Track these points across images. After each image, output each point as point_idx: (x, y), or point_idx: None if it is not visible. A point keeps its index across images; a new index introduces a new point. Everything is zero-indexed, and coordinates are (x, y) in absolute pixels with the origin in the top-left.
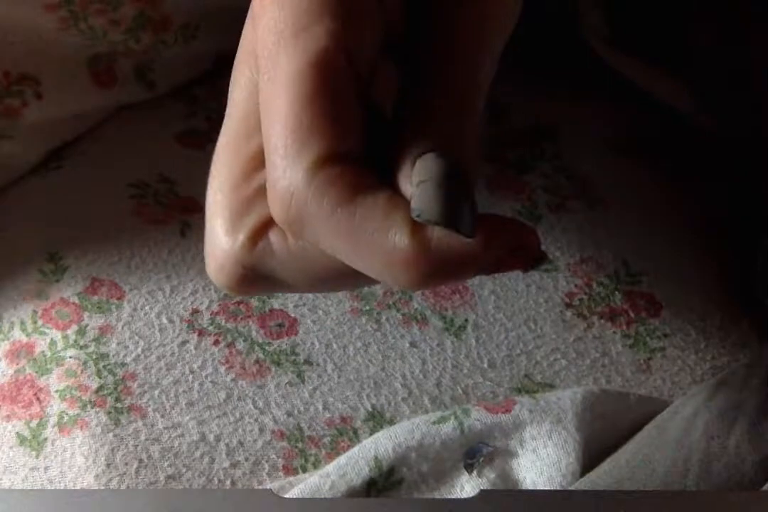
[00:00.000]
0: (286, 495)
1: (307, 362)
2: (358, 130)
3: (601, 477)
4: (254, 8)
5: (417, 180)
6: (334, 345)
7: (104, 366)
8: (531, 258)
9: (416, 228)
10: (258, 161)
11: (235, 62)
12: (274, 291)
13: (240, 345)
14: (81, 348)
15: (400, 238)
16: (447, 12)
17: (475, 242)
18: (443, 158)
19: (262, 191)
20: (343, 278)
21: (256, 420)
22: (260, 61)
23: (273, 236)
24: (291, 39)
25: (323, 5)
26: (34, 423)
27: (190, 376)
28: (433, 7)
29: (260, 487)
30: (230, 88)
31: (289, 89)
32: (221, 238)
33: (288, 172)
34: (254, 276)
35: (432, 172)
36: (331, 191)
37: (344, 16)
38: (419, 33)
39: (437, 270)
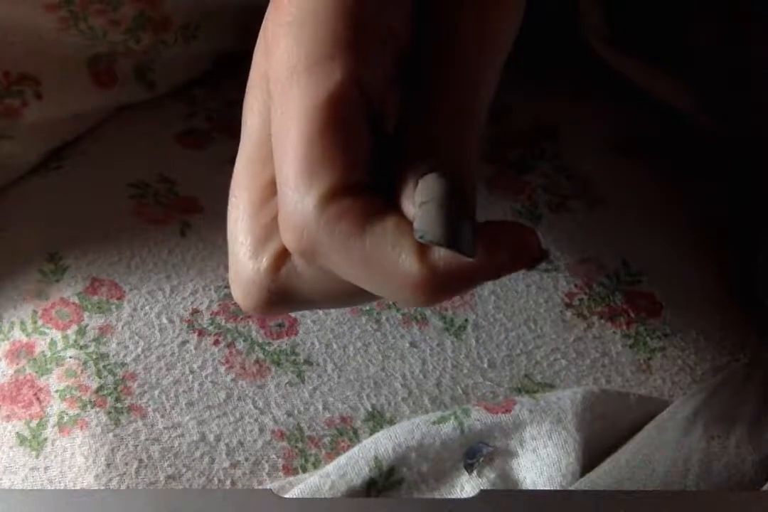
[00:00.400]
0: (286, 495)
1: (307, 362)
2: (367, 159)
3: (601, 477)
4: (266, 36)
5: (419, 200)
6: (334, 345)
7: (104, 366)
8: (532, 259)
9: (423, 251)
10: (275, 187)
11: (248, 86)
12: (297, 309)
13: (240, 345)
14: (81, 348)
15: (409, 264)
16: (447, 34)
17: (478, 255)
18: (444, 178)
19: None
20: (361, 295)
21: (256, 420)
22: (273, 91)
23: (296, 259)
24: (304, 73)
25: (336, 39)
26: (34, 423)
27: (190, 376)
28: (434, 28)
29: (260, 487)
30: (244, 112)
31: (301, 124)
32: (245, 263)
33: (299, 206)
34: (279, 299)
35: (434, 193)
36: (341, 224)
37: (357, 49)
38: (421, 53)
39: (447, 288)
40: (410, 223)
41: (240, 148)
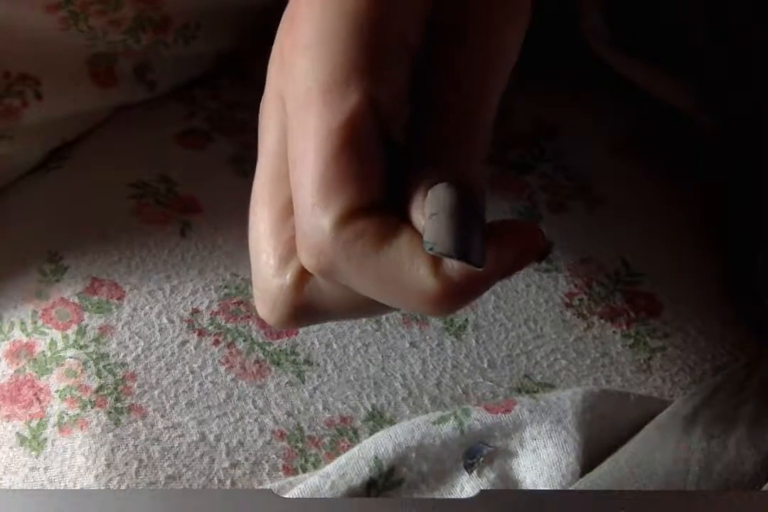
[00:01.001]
0: (286, 495)
1: (307, 362)
2: (381, 178)
3: (601, 477)
4: (282, 55)
5: (429, 212)
6: (334, 345)
7: (104, 366)
8: (540, 252)
9: (437, 264)
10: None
11: (263, 102)
12: (321, 322)
13: (240, 345)
14: (81, 348)
15: (426, 279)
16: (457, 45)
17: (489, 259)
18: (453, 189)
19: None
20: (383, 307)
21: (256, 420)
22: (289, 112)
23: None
24: (320, 96)
25: (352, 61)
26: (34, 423)
27: (190, 376)
28: (444, 38)
29: (260, 487)
30: (260, 129)
31: (317, 147)
32: (269, 280)
33: (315, 228)
34: (303, 313)
35: (443, 204)
36: (358, 245)
37: (373, 70)
38: (429, 63)
39: (463, 297)
40: (421, 237)
41: (258, 165)
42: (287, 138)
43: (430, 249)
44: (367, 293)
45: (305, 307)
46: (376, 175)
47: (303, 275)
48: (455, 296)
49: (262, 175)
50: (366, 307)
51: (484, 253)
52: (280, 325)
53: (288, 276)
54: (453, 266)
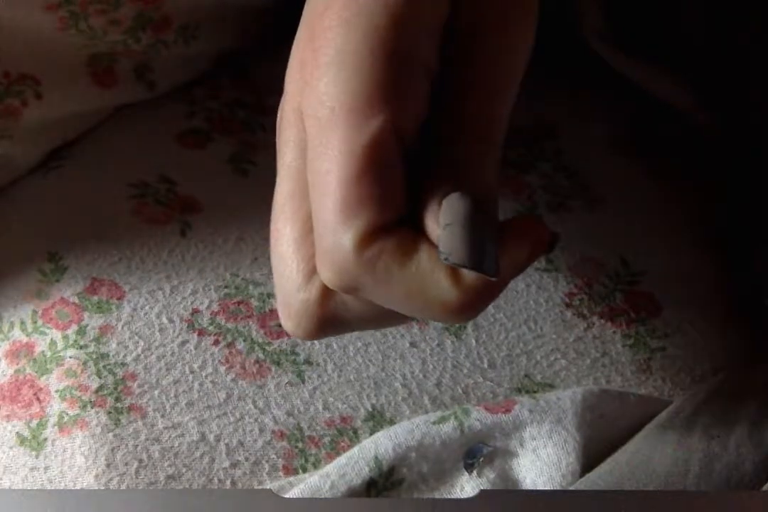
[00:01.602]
0: (286, 495)
1: (307, 362)
2: (402, 196)
3: (601, 477)
4: (305, 69)
5: (443, 222)
6: (334, 345)
7: (104, 366)
8: (548, 245)
9: (456, 274)
10: None
11: (280, 116)
12: (346, 332)
13: (240, 345)
14: (81, 348)
15: (447, 290)
16: (469, 60)
17: (503, 266)
18: (467, 199)
19: None
20: (406, 318)
21: (256, 420)
22: (309, 130)
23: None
24: (343, 116)
25: (378, 83)
26: (34, 423)
27: (190, 376)
28: (457, 53)
29: (260, 487)
30: (279, 145)
31: (340, 167)
32: (294, 296)
33: (337, 246)
34: (328, 325)
35: (456, 214)
36: (380, 262)
37: (396, 92)
38: (442, 77)
39: (483, 303)
40: (437, 248)
41: (278, 180)
42: (307, 156)
43: (445, 259)
44: (390, 306)
45: (330, 320)
46: (398, 194)
47: (327, 290)
48: (476, 303)
49: (282, 189)
50: (389, 318)
51: (497, 261)
52: (307, 338)
53: (313, 291)
54: (471, 274)
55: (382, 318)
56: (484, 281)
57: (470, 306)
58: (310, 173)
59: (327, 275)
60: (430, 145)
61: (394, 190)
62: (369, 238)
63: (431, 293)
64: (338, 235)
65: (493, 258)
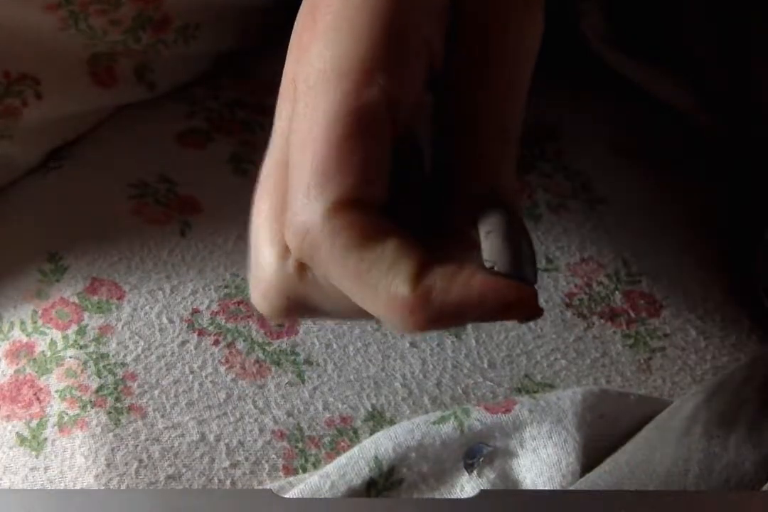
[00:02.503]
0: (286, 495)
1: (307, 362)
2: (384, 178)
3: (601, 477)
4: (302, 40)
5: (484, 230)
6: (334, 345)
7: (104, 366)
8: (525, 316)
9: (419, 278)
10: None
11: (279, 92)
12: (310, 318)
13: (240, 345)
14: (81, 348)
15: (402, 288)
16: (487, 56)
17: (473, 297)
18: (502, 209)
19: None
20: (368, 313)
21: (256, 420)
22: (298, 92)
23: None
24: (335, 79)
25: (373, 49)
26: (34, 423)
27: (190, 376)
28: (472, 50)
29: (260, 487)
30: (275, 117)
31: (326, 127)
32: (266, 269)
33: (306, 210)
34: (296, 306)
35: (496, 223)
36: (344, 235)
37: (394, 63)
38: (456, 74)
39: (435, 319)
40: (413, 248)
41: (267, 151)
42: (292, 117)
43: (491, 267)
44: (341, 287)
45: (299, 299)
46: (381, 173)
47: (302, 268)
48: (426, 313)
49: (269, 162)
50: (353, 310)
51: (536, 271)
52: (271, 314)
53: (285, 266)
54: (437, 283)
55: (347, 307)
56: (444, 295)
57: (419, 313)
58: (293, 132)
59: (290, 235)
60: (449, 149)
61: (378, 165)
62: (342, 206)
63: (384, 284)
64: (311, 196)
65: (533, 268)
